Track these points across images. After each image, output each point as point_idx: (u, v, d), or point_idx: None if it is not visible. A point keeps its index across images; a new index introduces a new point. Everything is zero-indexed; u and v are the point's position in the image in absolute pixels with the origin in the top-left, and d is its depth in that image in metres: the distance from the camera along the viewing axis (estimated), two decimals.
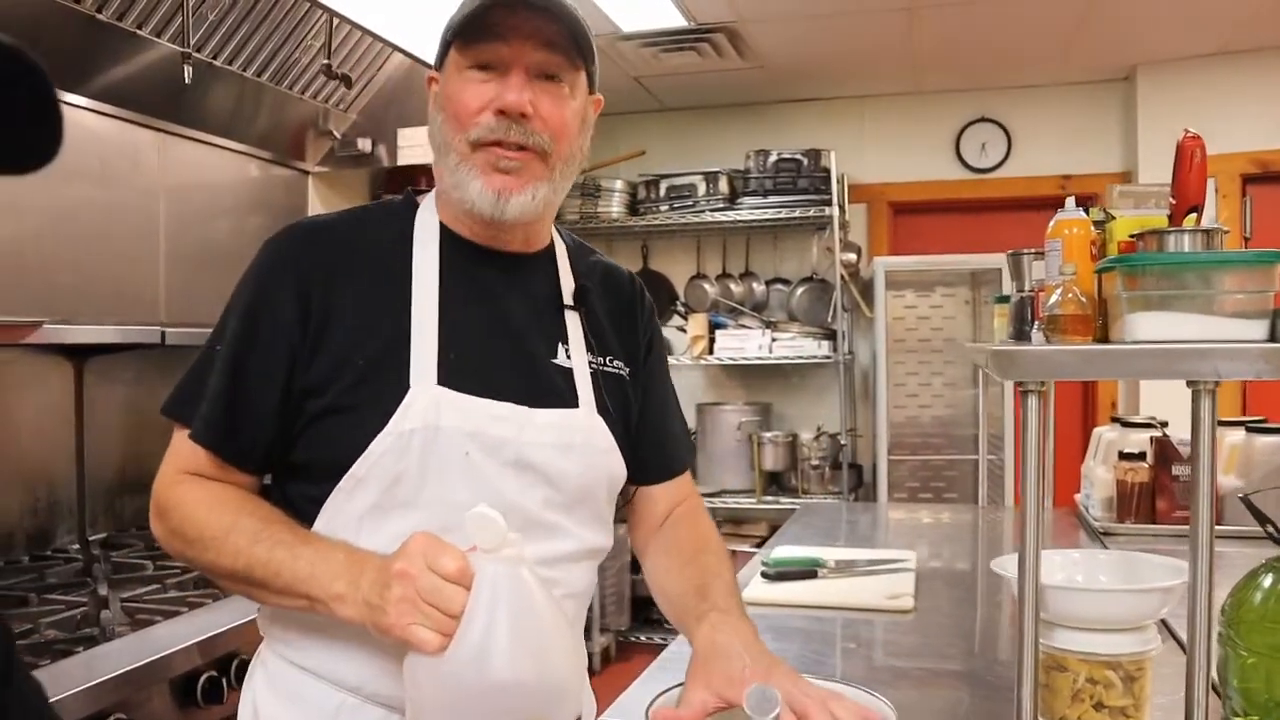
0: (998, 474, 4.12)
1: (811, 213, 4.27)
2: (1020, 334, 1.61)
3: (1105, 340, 1.35)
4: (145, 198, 2.90)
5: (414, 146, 3.66)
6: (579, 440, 1.18)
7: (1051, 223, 1.45)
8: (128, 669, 1.61)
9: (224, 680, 1.79)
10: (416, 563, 0.94)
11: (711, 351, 4.44)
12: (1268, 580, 0.86)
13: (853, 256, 4.47)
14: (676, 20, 3.55)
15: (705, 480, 4.53)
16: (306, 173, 3.66)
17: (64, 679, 1.54)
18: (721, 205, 4.39)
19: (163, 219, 2.96)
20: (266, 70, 2.96)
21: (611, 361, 1.27)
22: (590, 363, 1.24)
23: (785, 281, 4.70)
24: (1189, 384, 1.16)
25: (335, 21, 2.95)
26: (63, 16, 2.30)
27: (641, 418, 1.30)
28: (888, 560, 2.14)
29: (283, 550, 1.05)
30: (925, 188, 4.60)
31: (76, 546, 2.45)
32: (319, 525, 1.13)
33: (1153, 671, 1.27)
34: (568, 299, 1.24)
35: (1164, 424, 2.52)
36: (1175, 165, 1.34)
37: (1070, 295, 1.37)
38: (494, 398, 1.13)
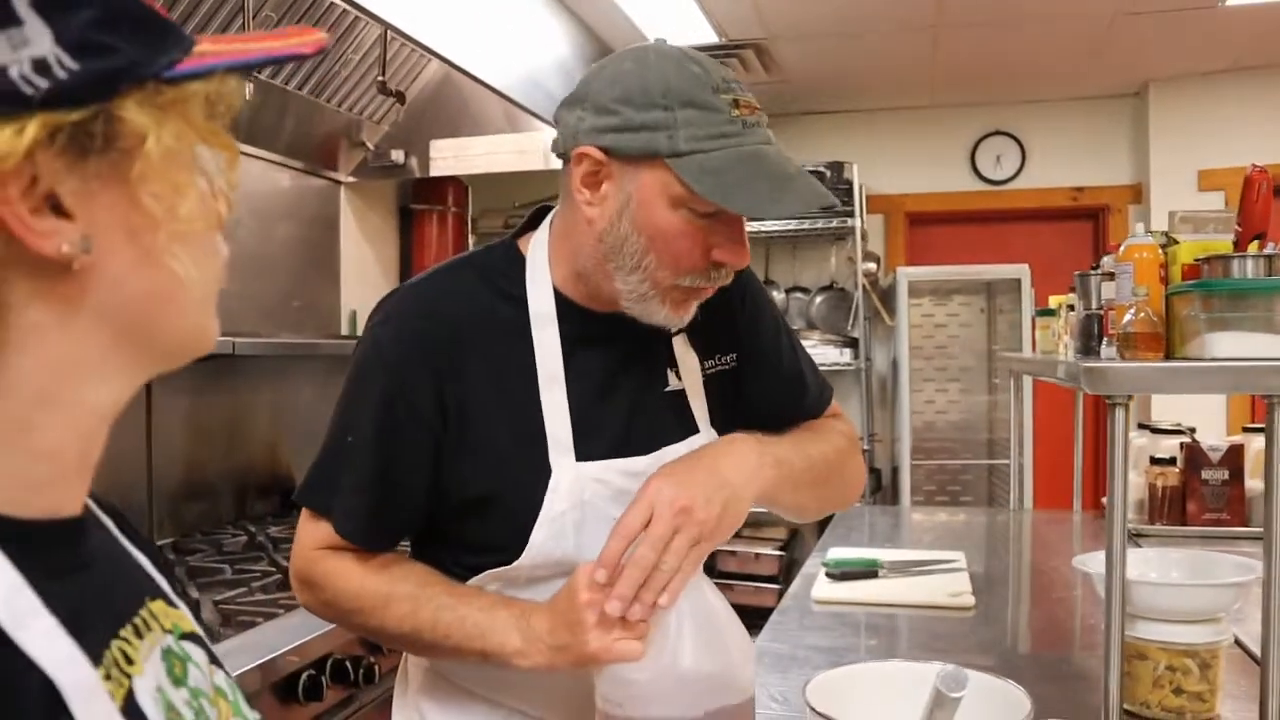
0: (1006, 478, 4.24)
1: (834, 224, 4.38)
2: (1087, 349, 1.72)
3: (1170, 357, 1.46)
4: None
5: (445, 159, 3.74)
6: None
7: (1122, 247, 1.56)
8: (241, 671, 1.69)
9: (321, 678, 1.88)
10: (597, 588, 1.00)
11: None
12: None
13: (873, 266, 4.58)
14: (709, 36, 3.65)
15: None
16: (339, 183, 3.73)
17: None
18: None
19: None
20: (308, 83, 3.04)
21: (721, 359, 1.25)
22: (705, 368, 1.22)
23: (804, 290, 4.80)
24: (1264, 398, 1.27)
25: (390, 37, 3.03)
26: None
27: (755, 390, 1.27)
28: (940, 561, 2.25)
29: (447, 613, 1.08)
30: (941, 199, 4.71)
31: None
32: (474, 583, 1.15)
33: (1225, 660, 1.38)
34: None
35: (1192, 430, 2.64)
36: (1242, 195, 1.45)
37: (1143, 315, 1.47)
38: (625, 454, 1.14)
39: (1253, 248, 1.46)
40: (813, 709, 1.01)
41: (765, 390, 1.27)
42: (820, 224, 4.40)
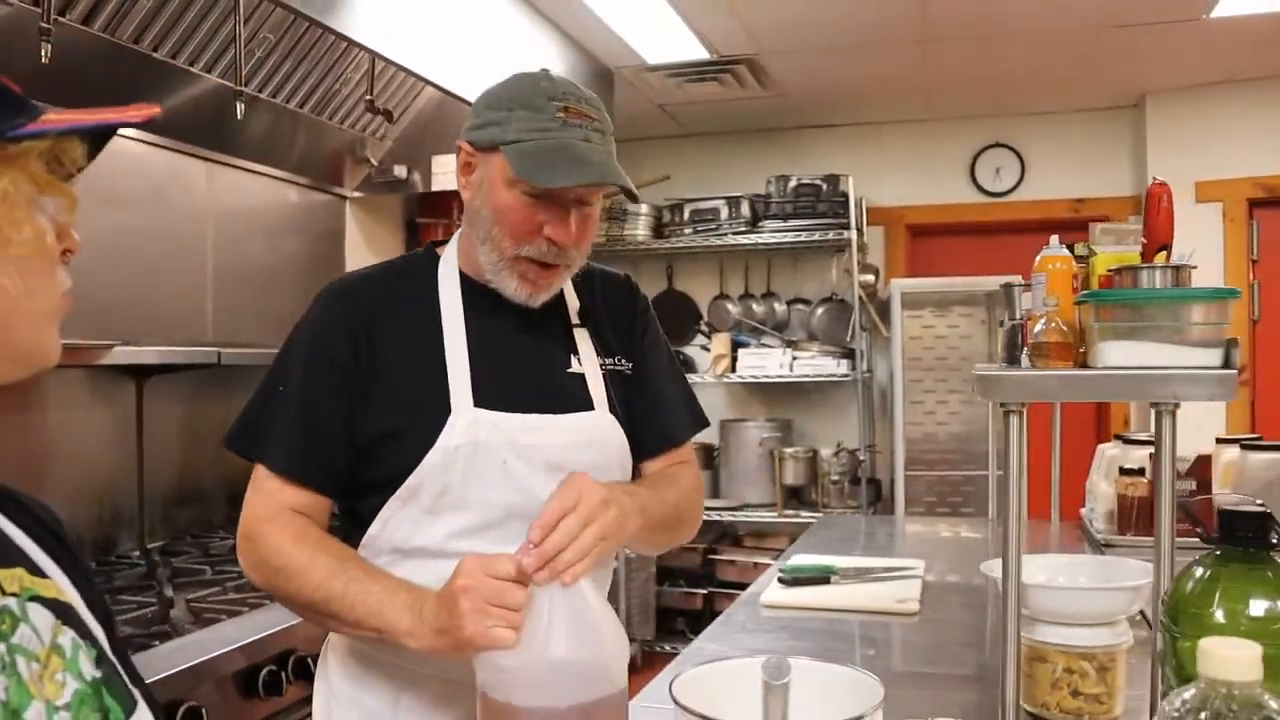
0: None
1: (830, 236, 4.41)
2: (1011, 359, 1.74)
3: (1085, 366, 1.49)
4: (195, 223, 3.08)
5: (448, 173, 3.83)
6: (598, 437, 1.36)
7: (1037, 258, 1.59)
8: (197, 661, 1.77)
9: (282, 674, 1.95)
10: (475, 575, 1.09)
11: (734, 370, 4.59)
12: (1198, 571, 1.00)
13: (870, 278, 4.61)
14: (700, 53, 3.71)
15: (728, 494, 4.67)
16: (344, 198, 3.83)
17: (141, 671, 1.70)
18: (743, 228, 4.55)
19: (210, 243, 3.14)
20: (308, 102, 3.14)
21: (618, 360, 1.44)
22: (602, 365, 1.41)
23: (805, 302, 4.84)
24: (1152, 405, 1.30)
25: (376, 60, 3.13)
26: (120, 54, 2.48)
27: (635, 399, 1.44)
28: (897, 568, 2.28)
29: (355, 586, 1.20)
30: (941, 210, 4.73)
31: (138, 553, 2.62)
32: (377, 527, 1.30)
33: (1125, 663, 1.41)
34: (574, 318, 1.42)
35: None
36: (1145, 209, 1.48)
37: (1053, 325, 1.50)
38: (523, 411, 1.31)
39: (1160, 259, 1.49)
40: (678, 703, 1.06)
41: (647, 404, 1.45)
42: (818, 236, 4.44)
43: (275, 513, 1.28)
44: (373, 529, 1.31)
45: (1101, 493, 2.68)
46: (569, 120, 1.27)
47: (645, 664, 4.64)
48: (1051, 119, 4.57)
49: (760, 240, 4.54)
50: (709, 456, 4.76)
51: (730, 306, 4.91)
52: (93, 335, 2.46)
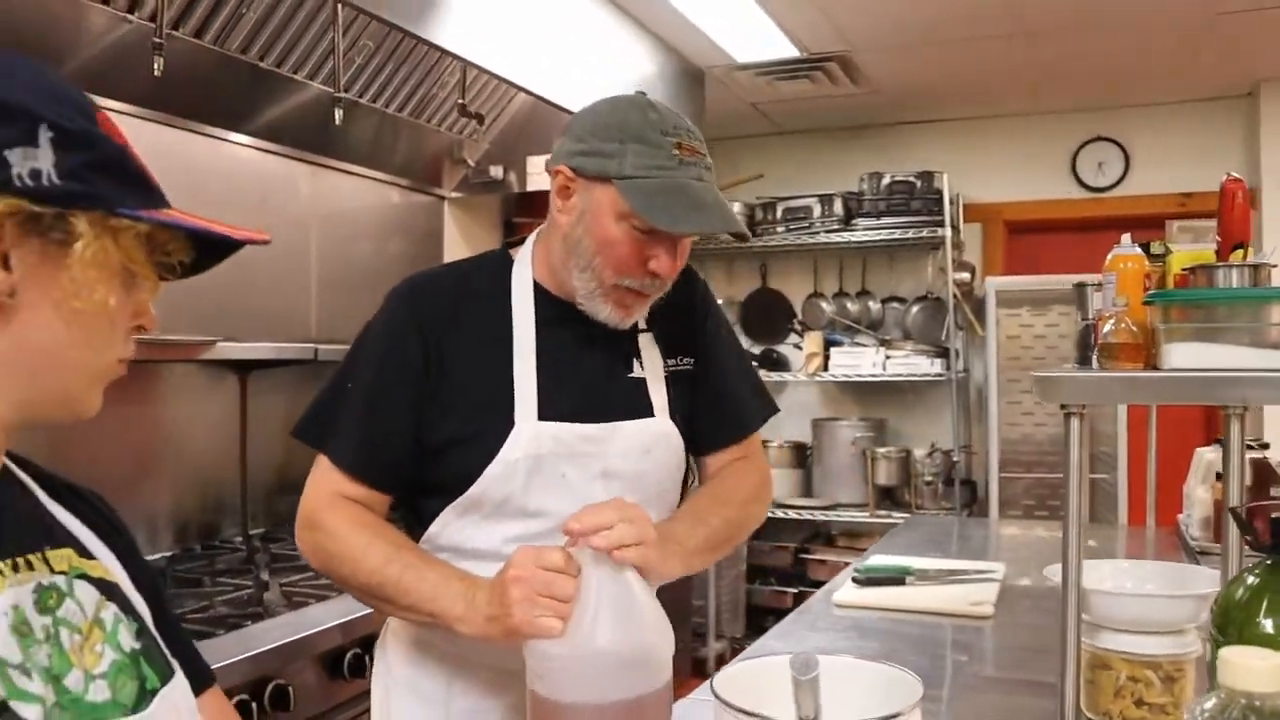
0: (1109, 492, 4.11)
1: (924, 233, 4.35)
2: (1083, 359, 1.71)
3: (1155, 367, 1.46)
4: (299, 225, 3.22)
5: (542, 174, 3.90)
6: (656, 443, 1.39)
7: (1109, 257, 1.56)
8: (284, 642, 1.87)
9: (366, 657, 2.04)
10: (527, 566, 1.13)
11: (826, 368, 4.56)
12: (1248, 579, 0.97)
13: (966, 276, 4.52)
14: (789, 51, 3.70)
15: (820, 493, 4.65)
16: (443, 198, 3.94)
17: (233, 647, 1.81)
18: (836, 226, 4.52)
19: (314, 244, 3.28)
20: (406, 107, 3.25)
21: (681, 360, 1.46)
22: (666, 368, 1.43)
23: (901, 300, 4.78)
24: (1221, 409, 1.27)
25: (468, 67, 3.22)
26: (230, 65, 2.61)
27: (701, 393, 1.46)
28: (976, 571, 2.25)
29: (411, 573, 1.24)
30: (1041, 206, 4.61)
31: (240, 539, 2.76)
32: (436, 528, 1.35)
33: (1194, 674, 1.37)
34: (640, 323, 1.43)
35: (1265, 445, 2.54)
36: (1219, 206, 1.44)
37: (1123, 325, 1.48)
38: (584, 421, 1.34)
39: (1236, 257, 1.45)
40: (717, 697, 1.08)
41: (714, 397, 1.47)
42: (911, 234, 4.38)
43: (334, 500, 1.32)
44: (432, 529, 1.36)
45: (1198, 498, 2.60)
46: (684, 159, 1.27)
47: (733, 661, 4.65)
48: (1157, 110, 4.41)
49: (853, 238, 4.50)
50: (801, 455, 4.74)
51: (824, 305, 4.88)
52: (201, 332, 2.59)
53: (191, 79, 2.59)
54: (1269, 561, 0.98)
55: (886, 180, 4.42)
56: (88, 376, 0.79)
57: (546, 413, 1.32)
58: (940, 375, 4.38)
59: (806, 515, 4.56)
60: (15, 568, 0.75)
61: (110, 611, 0.81)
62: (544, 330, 1.37)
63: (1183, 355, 1.32)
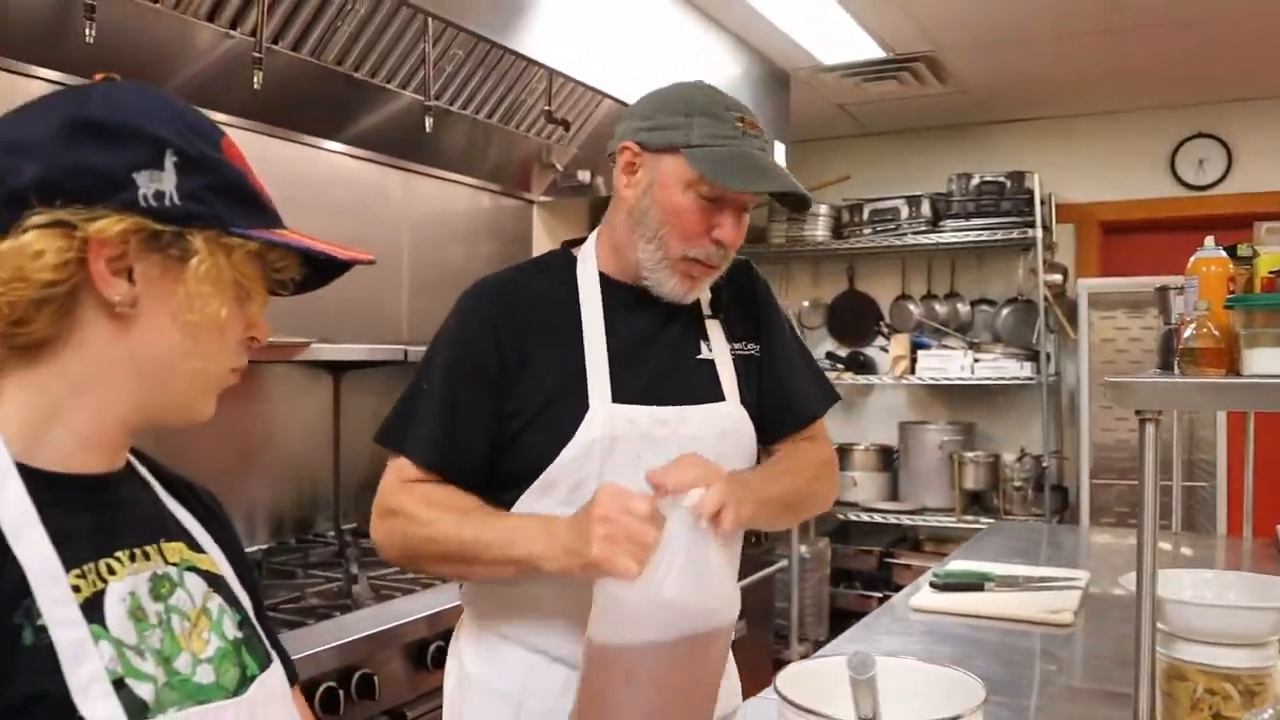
0: (1208, 501, 3.98)
1: (1014, 234, 4.27)
2: (1165, 364, 1.68)
3: (1238, 373, 1.43)
4: (392, 230, 3.32)
5: None
6: (729, 427, 1.42)
7: (1190, 260, 1.53)
8: (371, 633, 1.94)
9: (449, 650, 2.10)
10: (614, 508, 1.16)
11: (913, 371, 4.51)
12: None
13: (1058, 278, 4.43)
14: (875, 51, 3.68)
15: (906, 497, 4.60)
16: (531, 202, 4.02)
17: (323, 636, 1.88)
18: (924, 228, 4.47)
19: (406, 248, 3.38)
20: (496, 113, 3.33)
21: (746, 345, 1.49)
22: (732, 350, 1.47)
23: (990, 302, 4.70)
24: None
25: (555, 75, 3.28)
26: (325, 76, 2.71)
27: (765, 381, 1.49)
28: (1058, 578, 2.21)
29: (485, 529, 1.28)
30: (1138, 206, 4.49)
31: (333, 533, 2.86)
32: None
33: (1276, 688, 1.34)
34: (706, 309, 1.48)
35: None
36: None
37: (1205, 330, 1.45)
38: (657, 404, 1.37)
39: None
40: (779, 694, 1.11)
41: (778, 385, 1.50)
42: (1000, 235, 4.30)
43: (406, 486, 1.35)
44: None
45: None
46: (746, 130, 1.34)
47: None
48: (1264, 105, 4.25)
49: (941, 240, 4.44)
50: (887, 459, 4.70)
51: (912, 307, 4.82)
52: (298, 334, 2.70)
53: (290, 90, 2.70)
54: None
55: (975, 181, 4.36)
56: (201, 384, 0.85)
57: (619, 396, 1.36)
58: (1030, 379, 4.30)
59: (892, 519, 4.52)
60: (134, 558, 0.82)
61: (216, 602, 0.88)
62: (612, 316, 1.40)
63: (1264, 361, 1.29)
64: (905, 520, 4.52)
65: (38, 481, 0.77)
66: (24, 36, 2.07)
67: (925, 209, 4.46)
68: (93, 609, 0.76)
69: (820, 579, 4.57)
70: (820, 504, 1.52)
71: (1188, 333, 1.46)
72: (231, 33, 2.44)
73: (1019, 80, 4.08)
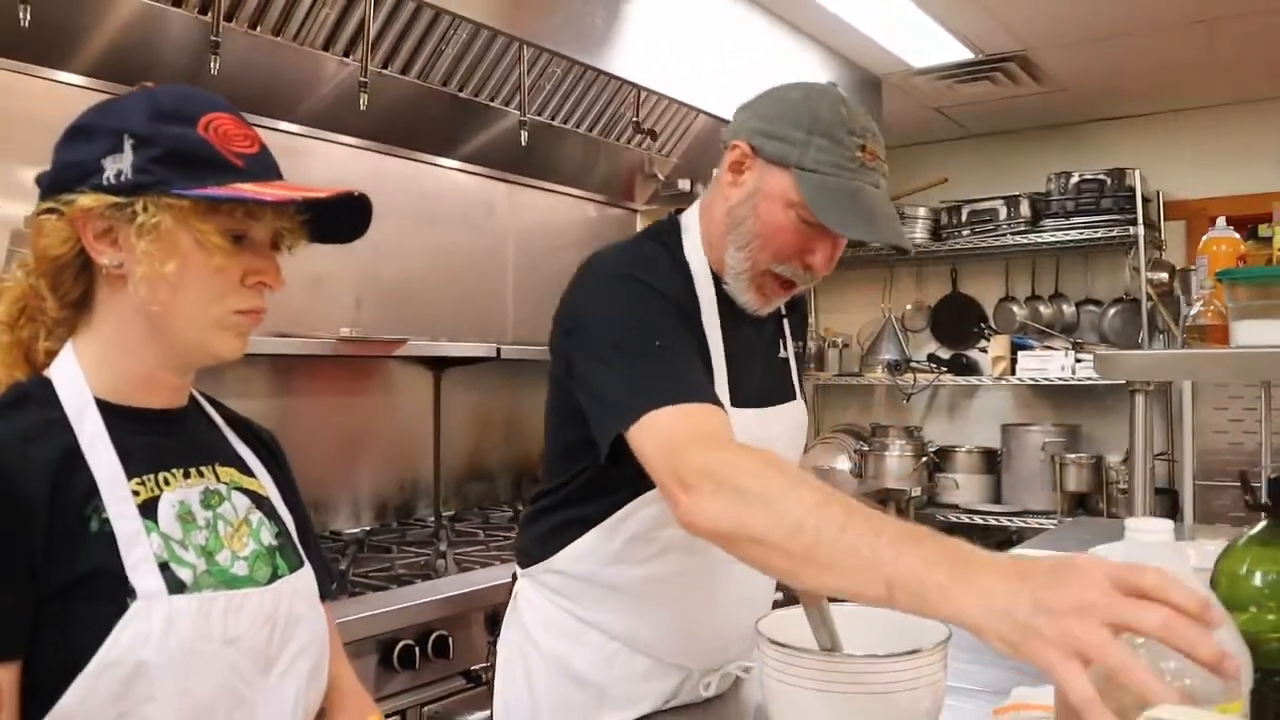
0: None
1: (1115, 233, 4.21)
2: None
3: None
4: (498, 239, 3.54)
5: None
6: (800, 423, 1.51)
7: (1202, 240, 1.58)
8: (448, 595, 2.13)
9: None
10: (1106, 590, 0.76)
11: (1013, 372, 4.48)
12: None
13: (1164, 276, 4.33)
14: (963, 54, 3.71)
15: (1009, 499, 4.57)
16: (635, 211, 4.18)
17: (406, 597, 2.08)
18: (1023, 228, 4.44)
19: (511, 256, 3.59)
20: (595, 127, 3.51)
21: (799, 344, 1.58)
22: (795, 348, 1.56)
23: (1097, 303, 4.63)
24: None
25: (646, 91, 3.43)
26: (435, 97, 2.94)
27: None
28: None
29: (868, 536, 0.91)
30: (1254, 201, 4.34)
31: (432, 518, 3.09)
32: (631, 508, 1.35)
33: None
34: (781, 308, 1.49)
35: None
36: None
37: (1211, 306, 1.50)
38: (758, 406, 1.41)
39: None
40: (760, 633, 1.21)
41: None
42: (1101, 233, 4.25)
43: (713, 440, 1.12)
44: (627, 509, 1.35)
45: None
46: (865, 162, 1.27)
47: None
48: None
49: (1040, 239, 4.41)
50: (990, 461, 4.68)
51: (1015, 309, 4.79)
52: (410, 334, 2.93)
53: (402, 112, 2.93)
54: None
55: (1075, 179, 4.32)
56: (201, 325, 1.01)
57: (734, 399, 1.33)
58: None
59: (994, 521, 4.50)
60: (187, 475, 1.02)
61: (257, 516, 1.08)
62: (724, 317, 1.37)
63: (1250, 333, 1.34)
64: (1006, 522, 4.48)
65: (109, 411, 0.99)
66: (169, 75, 2.33)
67: (1024, 209, 4.44)
68: (148, 510, 0.97)
69: None
70: None
71: (1194, 309, 1.52)
72: (346, 60, 2.68)
73: (1115, 76, 4.03)
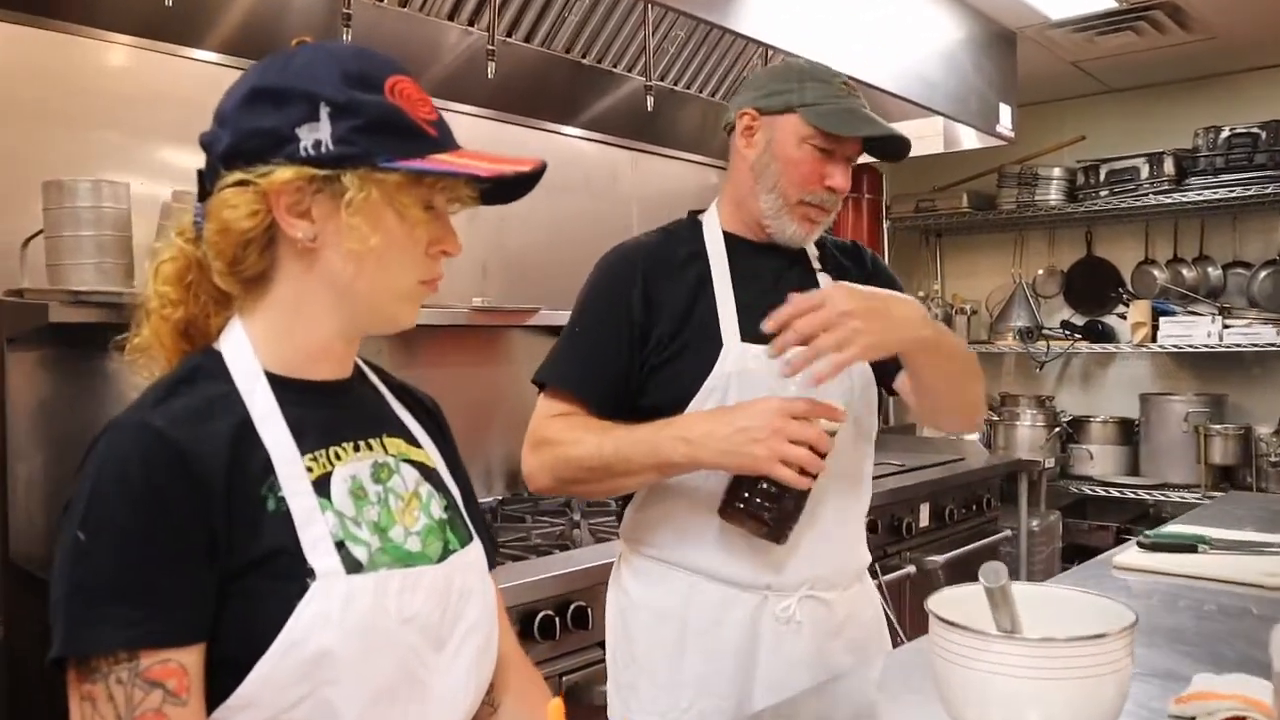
0: None
1: (1269, 190, 3.97)
2: None
3: None
4: (621, 206, 3.53)
5: None
6: (851, 369, 1.53)
7: None
8: (586, 566, 2.14)
9: None
10: (778, 417, 1.37)
11: (1154, 339, 4.29)
12: None
13: None
14: (1106, 2, 3.53)
15: (1147, 472, 4.39)
16: None
17: (544, 568, 2.10)
18: (1167, 187, 4.22)
19: (635, 223, 3.58)
20: (719, 91, 3.46)
21: None
22: None
23: (1247, 265, 4.38)
24: None
25: (774, 51, 3.37)
26: (558, 64, 2.93)
27: None
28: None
29: (625, 443, 1.46)
30: None
31: None
32: None
33: None
34: (815, 264, 1.68)
35: None
36: None
37: None
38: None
39: None
40: (931, 613, 1.18)
41: None
42: (1254, 190, 4.00)
43: (553, 419, 1.55)
44: None
45: None
46: (850, 92, 1.58)
47: None
48: None
49: (1186, 199, 4.19)
50: (1128, 432, 4.49)
51: (1156, 273, 4.56)
52: (535, 302, 2.95)
53: (525, 79, 2.94)
54: None
55: (1225, 134, 4.08)
56: (387, 297, 1.00)
57: (748, 336, 1.52)
58: None
59: (1130, 495, 4.32)
60: (357, 448, 1.02)
61: (426, 488, 1.07)
62: (736, 266, 1.60)
63: None
64: (1145, 496, 4.31)
65: (280, 385, 0.98)
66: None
67: (1168, 167, 4.21)
68: (321, 486, 0.96)
69: (1051, 554, 4.44)
70: (971, 394, 1.62)
71: None
72: (470, 29, 2.69)
73: (1271, 21, 3.78)
